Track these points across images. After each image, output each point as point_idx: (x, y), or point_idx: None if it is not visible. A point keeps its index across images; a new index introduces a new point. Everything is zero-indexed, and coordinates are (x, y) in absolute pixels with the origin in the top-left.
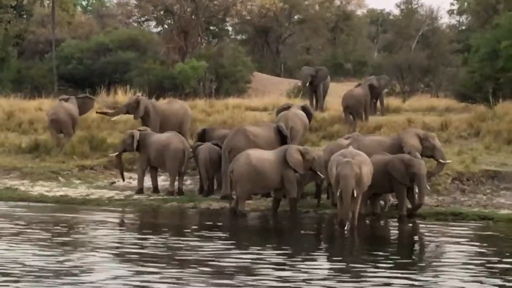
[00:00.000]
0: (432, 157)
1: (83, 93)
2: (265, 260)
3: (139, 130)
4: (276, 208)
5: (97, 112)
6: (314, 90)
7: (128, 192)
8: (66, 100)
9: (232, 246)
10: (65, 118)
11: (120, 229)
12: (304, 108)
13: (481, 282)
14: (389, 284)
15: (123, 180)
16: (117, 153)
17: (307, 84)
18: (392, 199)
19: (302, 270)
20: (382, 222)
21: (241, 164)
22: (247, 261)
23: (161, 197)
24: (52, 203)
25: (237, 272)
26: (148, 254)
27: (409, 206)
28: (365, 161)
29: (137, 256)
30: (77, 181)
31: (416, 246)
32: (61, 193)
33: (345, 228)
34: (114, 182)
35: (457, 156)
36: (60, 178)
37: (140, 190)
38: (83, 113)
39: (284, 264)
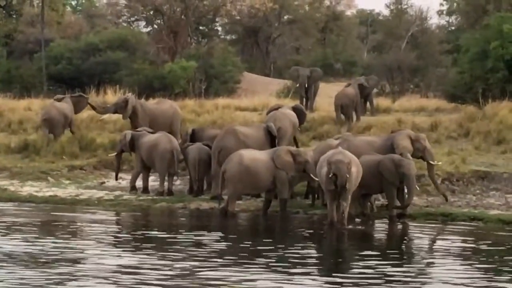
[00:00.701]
0: (421, 158)
1: (75, 93)
2: (255, 261)
3: (137, 130)
4: (267, 208)
5: (87, 103)
6: (306, 90)
7: (117, 192)
8: (60, 100)
9: (223, 247)
10: (57, 118)
11: (112, 228)
12: (295, 109)
13: (474, 281)
14: (381, 284)
15: (116, 179)
16: (116, 153)
17: (306, 86)
18: (381, 200)
19: (292, 270)
20: (371, 223)
21: (234, 165)
22: (237, 261)
23: (150, 198)
24: (41, 204)
25: (229, 272)
26: (138, 254)
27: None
28: (353, 161)
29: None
30: (67, 181)
31: (406, 246)
32: (51, 193)
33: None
34: (104, 182)
35: (447, 156)
36: (49, 178)
37: (132, 188)
38: (78, 112)
39: (274, 265)
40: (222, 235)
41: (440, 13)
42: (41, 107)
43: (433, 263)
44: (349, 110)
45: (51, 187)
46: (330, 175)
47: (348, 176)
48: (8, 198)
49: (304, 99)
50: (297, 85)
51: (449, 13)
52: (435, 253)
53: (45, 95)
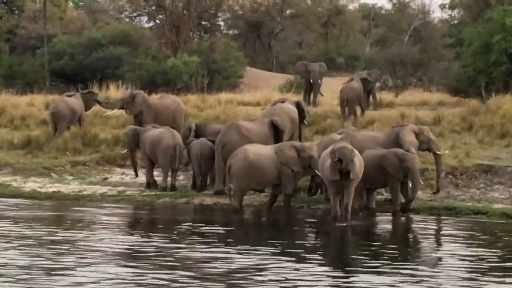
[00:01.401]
0: (428, 150)
1: (82, 89)
2: (260, 256)
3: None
4: (273, 203)
5: (93, 100)
6: (310, 85)
7: (121, 188)
8: (71, 96)
9: (227, 243)
10: (64, 111)
11: (113, 225)
12: (298, 104)
13: (478, 276)
14: (385, 278)
15: (136, 175)
16: (127, 150)
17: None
18: (385, 194)
19: (297, 265)
20: (376, 217)
21: (239, 160)
22: (242, 258)
23: (154, 193)
24: (45, 199)
25: (232, 269)
26: (141, 250)
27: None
28: (356, 155)
29: (131, 253)
30: (70, 177)
31: (411, 240)
32: (54, 189)
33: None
34: (107, 178)
35: (450, 150)
36: (52, 174)
37: (147, 185)
38: (89, 109)
39: (278, 259)
40: (224, 230)
41: (442, 6)
42: (44, 103)
43: (439, 259)
44: (353, 105)
45: (54, 183)
46: (335, 160)
47: (352, 160)
48: (11, 194)
49: (308, 94)
50: (310, 80)
51: (452, 6)
52: (442, 245)
53: (47, 91)
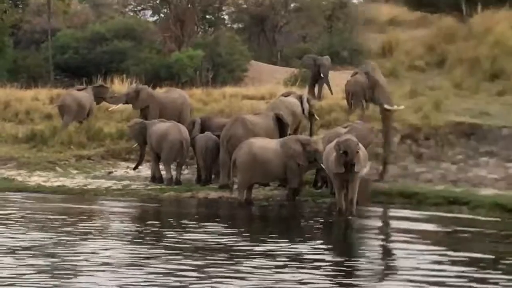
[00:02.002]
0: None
1: (90, 83)
2: (264, 249)
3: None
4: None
5: (98, 97)
6: (317, 79)
7: (126, 182)
8: (81, 90)
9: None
10: (70, 104)
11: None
12: (300, 98)
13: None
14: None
15: (134, 169)
16: (137, 144)
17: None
18: None
19: (301, 258)
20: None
21: (244, 153)
22: (247, 250)
23: (159, 187)
24: (50, 193)
25: (236, 263)
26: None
27: None
28: (360, 148)
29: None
30: (75, 171)
31: None
32: (59, 183)
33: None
34: (112, 172)
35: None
36: (57, 168)
37: (152, 179)
38: (100, 102)
39: (281, 253)
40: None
41: None
42: (48, 97)
43: None
44: (359, 98)
45: (59, 177)
46: (340, 153)
47: (357, 152)
48: (16, 188)
49: (313, 88)
50: (321, 74)
51: None
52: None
53: (52, 85)
